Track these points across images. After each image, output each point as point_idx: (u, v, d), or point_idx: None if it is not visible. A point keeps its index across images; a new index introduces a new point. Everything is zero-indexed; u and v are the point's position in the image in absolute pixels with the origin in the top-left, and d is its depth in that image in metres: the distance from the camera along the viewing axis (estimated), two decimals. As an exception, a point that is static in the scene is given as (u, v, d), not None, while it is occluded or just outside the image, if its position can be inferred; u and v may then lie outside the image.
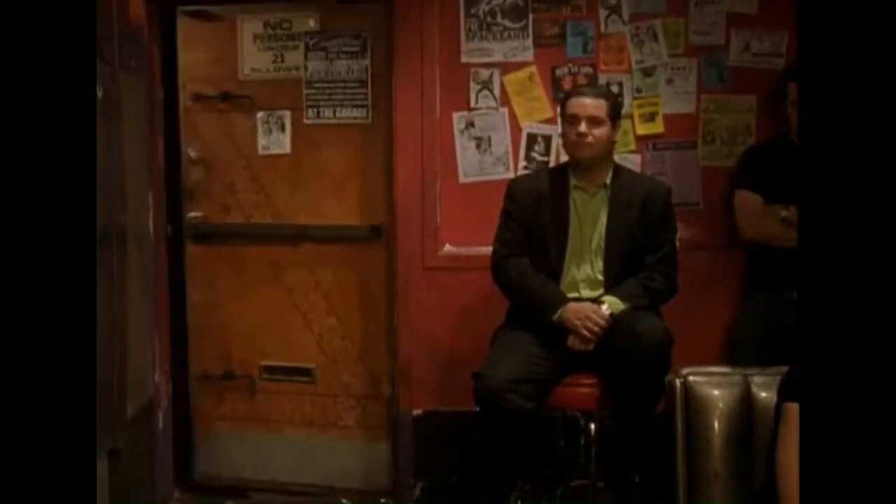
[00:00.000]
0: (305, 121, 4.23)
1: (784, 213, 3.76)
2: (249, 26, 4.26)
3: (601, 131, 3.51)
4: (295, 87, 4.23)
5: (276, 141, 4.26)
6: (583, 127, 3.50)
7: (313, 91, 4.22)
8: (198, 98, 4.30)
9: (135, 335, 3.54)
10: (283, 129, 4.24)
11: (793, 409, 2.64)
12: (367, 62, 4.17)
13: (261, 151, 4.28)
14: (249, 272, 4.36)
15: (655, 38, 4.08)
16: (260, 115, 4.27)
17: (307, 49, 4.21)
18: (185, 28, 4.28)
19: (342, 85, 4.21)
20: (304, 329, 4.32)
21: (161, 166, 4.16)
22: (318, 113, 4.23)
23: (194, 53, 4.30)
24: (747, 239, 3.94)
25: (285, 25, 4.23)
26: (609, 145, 3.57)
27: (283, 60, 4.24)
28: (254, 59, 4.26)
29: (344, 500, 4.17)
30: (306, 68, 4.22)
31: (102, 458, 3.14)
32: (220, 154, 4.32)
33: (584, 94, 3.58)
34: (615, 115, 3.56)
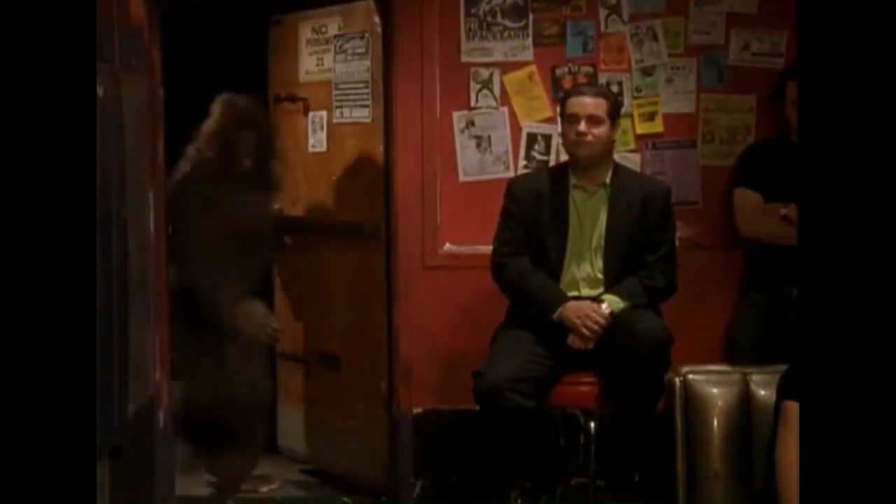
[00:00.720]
0: (334, 121, 4.34)
1: (783, 211, 3.76)
2: (303, 32, 4.42)
3: (600, 130, 3.51)
4: (328, 88, 4.34)
5: (318, 140, 4.41)
6: (582, 126, 3.50)
7: (339, 92, 4.30)
8: (277, 100, 4.55)
9: (136, 333, 3.54)
10: (322, 128, 4.38)
11: (792, 407, 2.64)
12: (368, 62, 4.18)
13: (310, 150, 4.45)
14: (299, 263, 4.52)
15: (655, 37, 4.09)
16: (310, 115, 4.42)
17: (335, 52, 4.30)
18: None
19: (354, 85, 4.25)
20: (319, 320, 4.43)
21: (161, 165, 4.15)
22: (342, 113, 4.31)
23: (274, 58, 4.58)
24: (746, 238, 3.94)
25: (323, 30, 4.33)
26: (608, 144, 3.57)
27: (322, 63, 4.36)
28: (306, 63, 4.44)
29: (346, 499, 4.17)
30: (334, 70, 4.30)
31: (103, 457, 3.13)
32: (290, 152, 4.49)
33: (583, 94, 3.59)
34: (615, 114, 3.56)
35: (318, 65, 4.39)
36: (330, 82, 4.33)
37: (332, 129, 4.35)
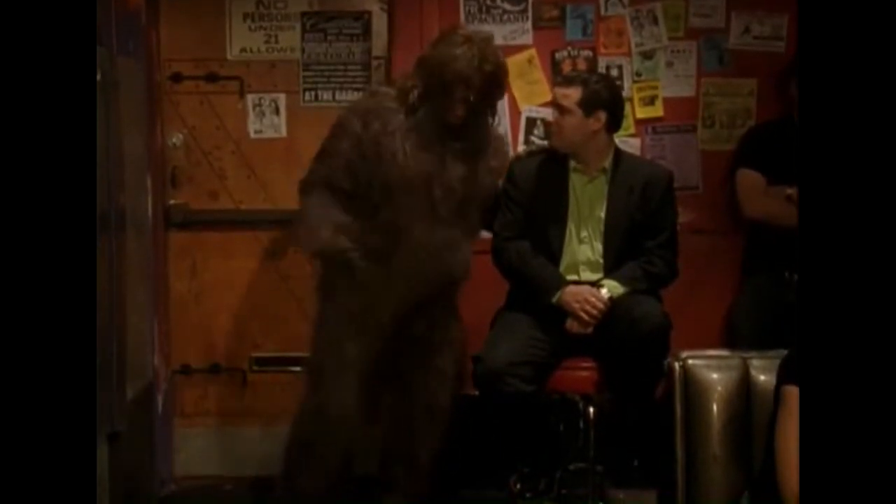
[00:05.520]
0: (302, 104, 4.21)
1: (789, 191, 3.73)
2: (239, 5, 4.19)
3: (568, 121, 3.47)
4: (289, 68, 4.21)
5: (269, 124, 4.22)
6: (552, 115, 3.53)
7: (311, 73, 4.21)
8: (178, 78, 4.20)
9: (134, 318, 3.54)
10: (277, 112, 4.21)
11: (792, 391, 2.64)
12: (369, 44, 4.16)
13: (252, 135, 4.23)
14: (240, 260, 4.26)
15: (655, 20, 4.08)
16: (251, 97, 4.21)
17: (304, 30, 4.20)
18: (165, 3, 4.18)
19: (342, 67, 4.20)
20: (301, 318, 4.23)
21: (159, 150, 4.15)
22: (317, 96, 4.21)
23: (174, 30, 4.20)
24: (749, 218, 3.92)
25: (279, 5, 4.20)
26: (584, 135, 3.48)
27: (276, 41, 4.21)
28: (244, 39, 4.20)
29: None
30: (303, 50, 4.20)
31: (102, 441, 3.14)
32: (205, 138, 4.23)
33: (559, 83, 3.63)
34: (591, 104, 3.45)
35: (267, 42, 4.18)
36: (294, 62, 4.17)
37: (299, 113, 4.15)
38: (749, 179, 3.90)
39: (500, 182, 3.64)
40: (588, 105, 3.46)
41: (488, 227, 3.65)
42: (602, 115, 3.48)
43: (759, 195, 3.88)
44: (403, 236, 3.40)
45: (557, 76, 3.98)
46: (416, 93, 3.39)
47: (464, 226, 3.50)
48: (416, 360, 3.56)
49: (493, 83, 3.42)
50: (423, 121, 3.38)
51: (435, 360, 3.56)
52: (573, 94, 3.46)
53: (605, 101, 3.48)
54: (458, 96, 3.35)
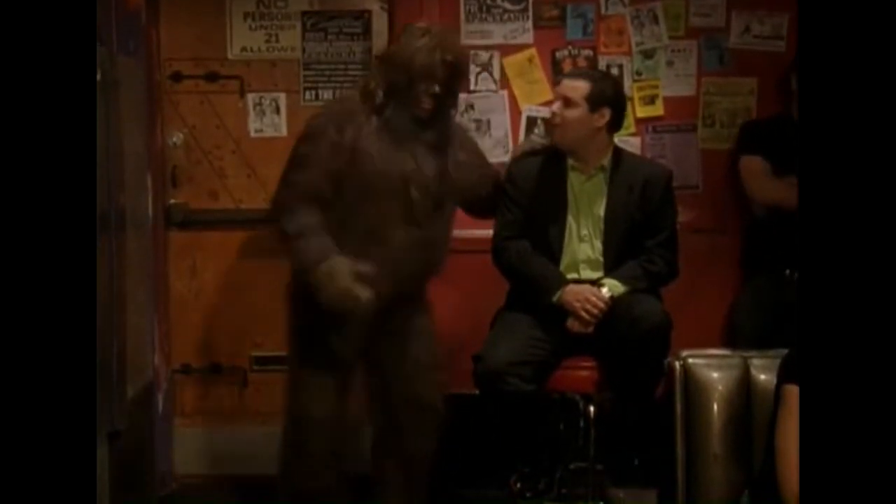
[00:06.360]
0: (302, 103, 4.21)
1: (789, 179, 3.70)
2: (240, 4, 4.20)
3: (572, 113, 3.46)
4: (290, 67, 4.21)
5: (270, 123, 4.22)
6: (555, 107, 3.51)
7: (312, 73, 4.21)
8: (178, 77, 4.20)
9: (134, 318, 3.54)
10: (277, 111, 4.22)
11: (792, 391, 2.64)
12: (369, 44, 4.16)
13: (253, 134, 4.23)
14: (240, 260, 4.27)
15: (656, 20, 4.08)
16: (251, 96, 4.21)
17: (305, 29, 4.20)
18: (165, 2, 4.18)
19: (343, 67, 4.20)
20: None
21: (159, 149, 4.15)
22: (317, 95, 4.21)
23: (174, 30, 4.20)
24: (761, 202, 3.87)
25: (280, 4, 4.21)
26: (587, 130, 3.48)
27: (277, 40, 4.21)
28: (244, 39, 4.21)
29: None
30: (304, 49, 4.21)
31: (102, 440, 3.14)
32: (205, 137, 4.23)
33: (568, 75, 3.62)
34: (598, 99, 3.46)
35: (268, 41, 4.18)
36: (295, 61, 4.18)
37: (299, 113, 4.10)
38: (754, 164, 3.86)
39: (482, 166, 3.63)
40: (595, 100, 3.46)
41: (490, 214, 3.64)
42: (606, 113, 3.48)
43: (766, 179, 3.83)
44: (381, 240, 3.35)
45: (558, 76, 3.98)
46: (380, 92, 3.35)
47: (440, 223, 3.47)
48: (391, 353, 3.53)
49: (456, 72, 3.39)
50: (392, 119, 3.34)
51: (409, 349, 3.53)
52: (582, 88, 3.46)
53: (611, 99, 3.50)
54: (424, 88, 3.31)
